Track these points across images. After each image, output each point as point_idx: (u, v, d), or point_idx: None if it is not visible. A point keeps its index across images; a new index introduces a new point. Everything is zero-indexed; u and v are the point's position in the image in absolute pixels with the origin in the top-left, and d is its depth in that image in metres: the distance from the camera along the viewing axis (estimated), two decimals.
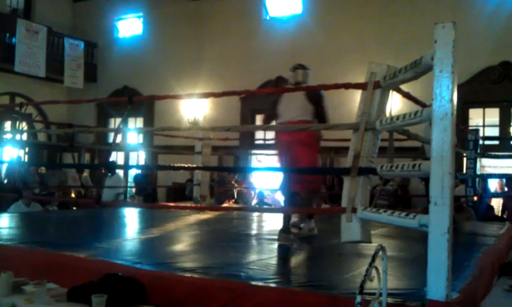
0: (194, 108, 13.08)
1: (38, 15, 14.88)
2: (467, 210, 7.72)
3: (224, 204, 9.14)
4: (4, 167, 12.41)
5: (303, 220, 5.32)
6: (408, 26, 10.70)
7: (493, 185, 9.82)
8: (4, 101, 13.95)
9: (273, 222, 6.52)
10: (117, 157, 14.64)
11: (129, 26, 15.47)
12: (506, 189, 9.27)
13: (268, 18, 13.01)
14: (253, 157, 12.47)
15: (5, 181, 11.95)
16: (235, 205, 9.41)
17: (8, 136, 11.45)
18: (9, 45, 13.19)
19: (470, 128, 9.09)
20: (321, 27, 11.86)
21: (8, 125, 14.72)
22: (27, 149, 14.68)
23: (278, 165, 4.81)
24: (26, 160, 14.56)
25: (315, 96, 4.37)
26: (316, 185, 4.64)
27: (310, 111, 4.37)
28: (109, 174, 8.61)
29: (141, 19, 15.14)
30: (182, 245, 4.71)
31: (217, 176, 10.77)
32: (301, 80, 4.48)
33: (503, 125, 10.20)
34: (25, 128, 14.20)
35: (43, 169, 12.99)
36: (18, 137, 10.78)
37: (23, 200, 7.71)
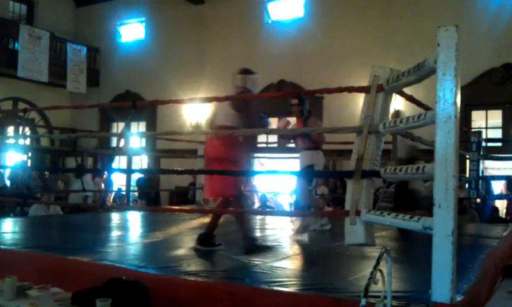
0: (196, 112, 13.09)
1: (40, 21, 14.93)
2: (470, 212, 7.71)
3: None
4: (7, 172, 12.43)
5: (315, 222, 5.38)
6: (409, 29, 10.70)
7: (499, 187, 9.79)
8: (7, 106, 13.99)
9: (276, 225, 6.53)
10: (120, 161, 14.69)
11: (131, 31, 15.51)
12: (507, 191, 9.26)
13: (270, 21, 13.03)
14: (256, 161, 12.47)
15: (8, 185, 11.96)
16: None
17: (11, 141, 11.47)
18: (12, 50, 13.26)
19: (472, 130, 9.09)
20: (323, 30, 11.87)
21: (10, 129, 14.77)
22: (30, 154, 14.72)
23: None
24: (29, 164, 14.59)
25: (239, 103, 4.16)
26: (227, 191, 4.17)
27: (235, 117, 4.13)
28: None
29: (143, 24, 15.17)
30: (185, 248, 4.70)
31: None
32: (239, 85, 4.32)
33: (506, 127, 10.19)
34: (28, 133, 14.32)
35: (46, 174, 13.02)
36: (21, 142, 10.81)
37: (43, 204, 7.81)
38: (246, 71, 4.40)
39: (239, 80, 4.33)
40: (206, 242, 4.16)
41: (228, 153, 4.07)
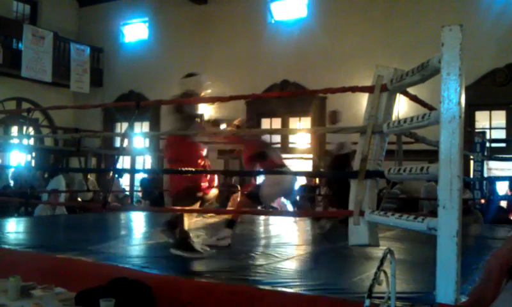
0: (200, 112, 13.09)
1: (44, 21, 14.97)
2: (474, 212, 7.69)
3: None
4: (11, 171, 12.45)
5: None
6: (413, 29, 10.68)
7: (503, 187, 9.72)
8: (11, 106, 14.03)
9: (280, 226, 6.52)
10: (123, 161, 14.69)
11: (135, 31, 15.54)
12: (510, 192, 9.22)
13: (273, 22, 13.03)
14: None
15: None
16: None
17: (15, 141, 11.50)
18: (15, 50, 13.30)
19: (476, 130, 9.06)
20: (326, 30, 11.86)
21: (14, 129, 14.80)
22: (33, 154, 14.75)
23: None
24: (33, 164, 14.61)
25: (176, 106, 4.32)
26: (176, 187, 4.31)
27: (174, 120, 4.29)
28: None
29: (147, 24, 15.20)
30: None
31: (222, 180, 10.76)
32: (185, 90, 4.47)
33: (510, 127, 10.15)
34: (32, 132, 14.35)
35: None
36: (25, 141, 10.82)
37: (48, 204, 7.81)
38: (189, 75, 4.68)
39: (182, 84, 4.57)
40: (185, 246, 3.87)
41: (178, 153, 4.22)
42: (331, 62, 11.53)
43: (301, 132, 13.63)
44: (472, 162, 8.04)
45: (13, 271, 3.23)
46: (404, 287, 2.78)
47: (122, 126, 15.01)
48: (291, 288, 2.88)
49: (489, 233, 5.96)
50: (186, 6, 13.85)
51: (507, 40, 9.89)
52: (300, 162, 11.57)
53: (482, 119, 10.59)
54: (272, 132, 6.82)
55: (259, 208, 5.21)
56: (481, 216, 7.73)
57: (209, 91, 4.52)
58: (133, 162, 14.07)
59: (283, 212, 8.48)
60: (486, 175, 7.78)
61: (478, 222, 7.49)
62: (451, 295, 2.27)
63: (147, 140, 14.07)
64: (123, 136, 5.28)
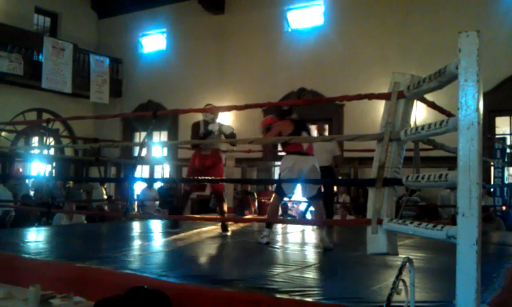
0: (217, 121, 13.13)
1: (64, 33, 15.22)
2: (496, 220, 7.58)
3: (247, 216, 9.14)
4: (31, 181, 12.62)
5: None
6: (430, 35, 10.61)
7: None
8: (32, 117, 14.26)
9: (297, 234, 6.50)
10: (142, 170, 14.82)
11: (153, 42, 15.69)
12: None
13: (290, 30, 13.05)
14: (276, 169, 12.46)
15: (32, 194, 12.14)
16: (258, 217, 9.39)
17: (36, 151, 11.67)
18: (36, 62, 13.52)
19: (497, 136, 8.94)
20: (343, 38, 11.85)
21: (35, 140, 15.02)
22: (54, 164, 14.93)
23: None
24: (53, 174, 14.79)
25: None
26: None
27: None
28: None
29: (165, 34, 15.34)
30: (207, 257, 4.72)
31: (240, 188, 10.79)
32: None
33: None
34: (53, 143, 14.55)
35: (70, 183, 13.20)
36: (45, 152, 10.98)
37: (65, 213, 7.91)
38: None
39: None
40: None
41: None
42: (348, 69, 11.51)
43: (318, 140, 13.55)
44: (492, 168, 7.93)
45: (32, 280, 3.27)
46: (423, 296, 2.74)
47: (141, 136, 15.15)
48: (309, 296, 2.87)
49: (511, 240, 5.86)
50: (203, 16, 13.96)
51: None
52: None
53: (502, 125, 10.46)
54: (288, 140, 6.82)
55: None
56: (503, 223, 7.62)
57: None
58: (152, 171, 14.21)
59: (301, 221, 8.45)
60: (506, 181, 7.65)
61: (499, 230, 7.39)
62: (471, 304, 2.23)
63: (165, 149, 14.17)
64: (142, 145, 5.30)
